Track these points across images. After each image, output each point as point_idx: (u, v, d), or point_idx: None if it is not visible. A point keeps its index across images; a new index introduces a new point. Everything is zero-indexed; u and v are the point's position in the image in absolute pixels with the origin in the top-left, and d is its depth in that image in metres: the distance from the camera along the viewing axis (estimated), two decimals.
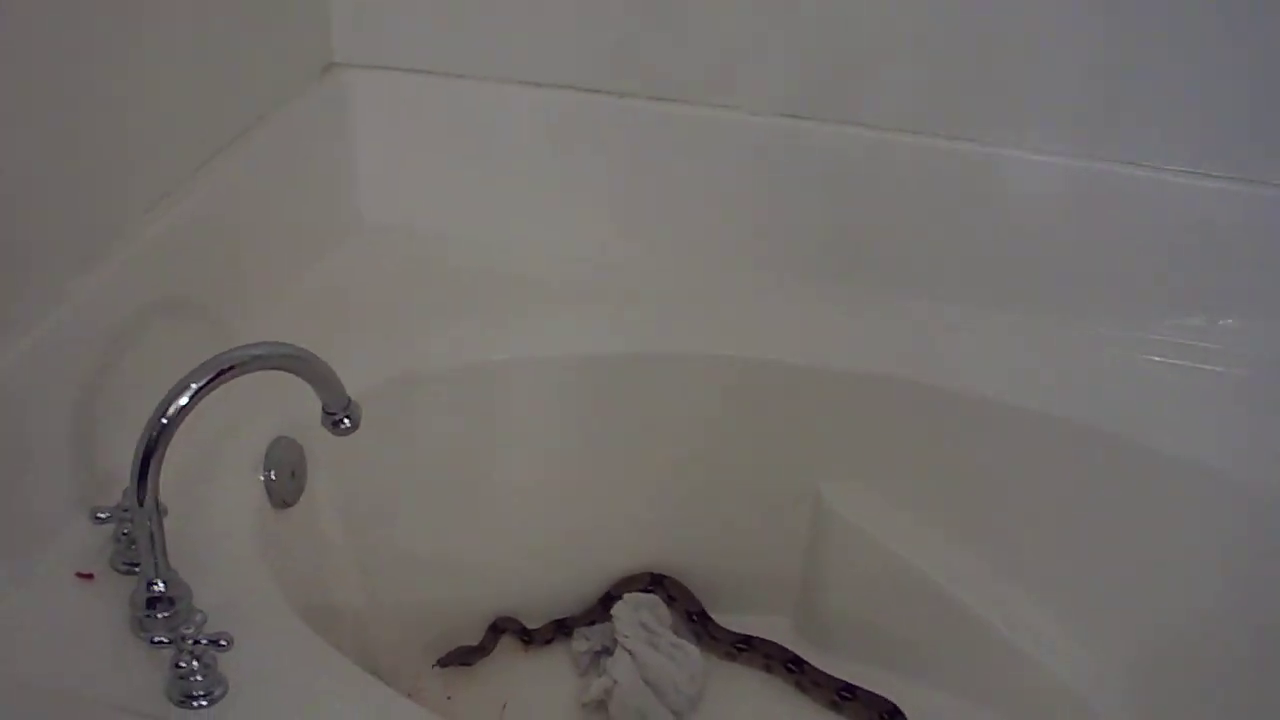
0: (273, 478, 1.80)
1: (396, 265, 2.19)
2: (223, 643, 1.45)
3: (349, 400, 1.62)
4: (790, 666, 2.22)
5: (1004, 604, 2.03)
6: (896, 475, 2.09)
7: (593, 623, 2.31)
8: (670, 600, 2.31)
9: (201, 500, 1.70)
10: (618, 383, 2.08)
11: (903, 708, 2.06)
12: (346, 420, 1.62)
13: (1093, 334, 2.05)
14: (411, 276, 2.16)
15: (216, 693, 1.47)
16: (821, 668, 2.16)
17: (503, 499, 2.15)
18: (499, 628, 2.26)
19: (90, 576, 1.59)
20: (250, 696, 1.47)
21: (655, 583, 2.32)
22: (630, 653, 2.23)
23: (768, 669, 2.26)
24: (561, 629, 2.31)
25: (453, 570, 2.15)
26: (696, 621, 2.30)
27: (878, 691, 2.09)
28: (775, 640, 2.26)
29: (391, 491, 2.03)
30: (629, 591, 2.30)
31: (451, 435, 2.07)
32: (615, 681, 2.19)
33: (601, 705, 2.20)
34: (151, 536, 1.48)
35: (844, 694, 2.15)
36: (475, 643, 2.20)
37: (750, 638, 2.27)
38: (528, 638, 2.28)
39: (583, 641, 2.31)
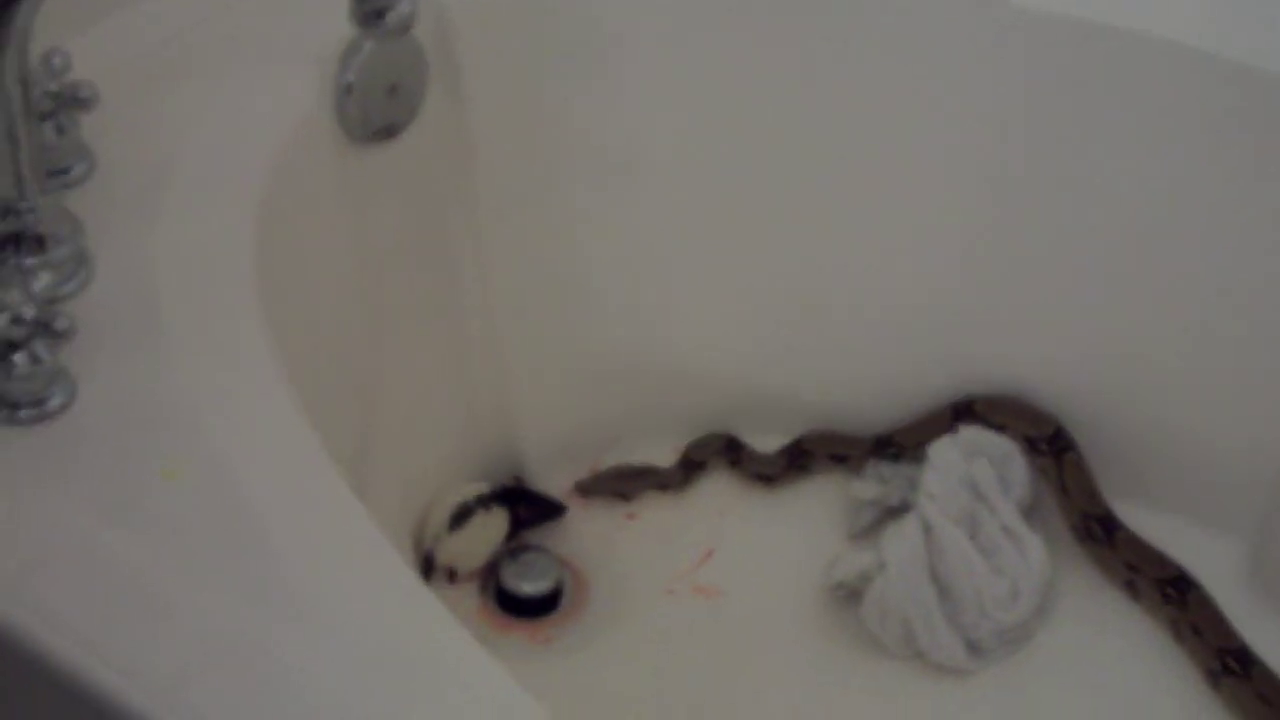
0: (350, 87, 1.17)
1: None
2: (58, 325, 0.92)
3: None
4: (1170, 591, 1.34)
5: None
6: None
7: (898, 456, 1.45)
8: (1061, 493, 1.41)
9: (192, 108, 1.12)
10: None
11: None
12: (386, 15, 1.13)
13: None
14: None
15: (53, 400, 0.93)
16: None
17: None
18: (694, 460, 1.47)
19: None
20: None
21: (1054, 453, 1.41)
22: (926, 524, 1.34)
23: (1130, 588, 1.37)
24: (830, 458, 1.47)
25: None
26: (1096, 536, 1.39)
27: None
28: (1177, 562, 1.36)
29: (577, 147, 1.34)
30: (1016, 430, 1.42)
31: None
32: (882, 565, 1.33)
33: (856, 593, 1.36)
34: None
35: (1233, 661, 1.28)
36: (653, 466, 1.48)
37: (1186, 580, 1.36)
38: (746, 465, 1.47)
39: (871, 484, 1.43)
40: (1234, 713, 1.28)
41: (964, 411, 1.42)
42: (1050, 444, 1.40)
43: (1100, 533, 1.37)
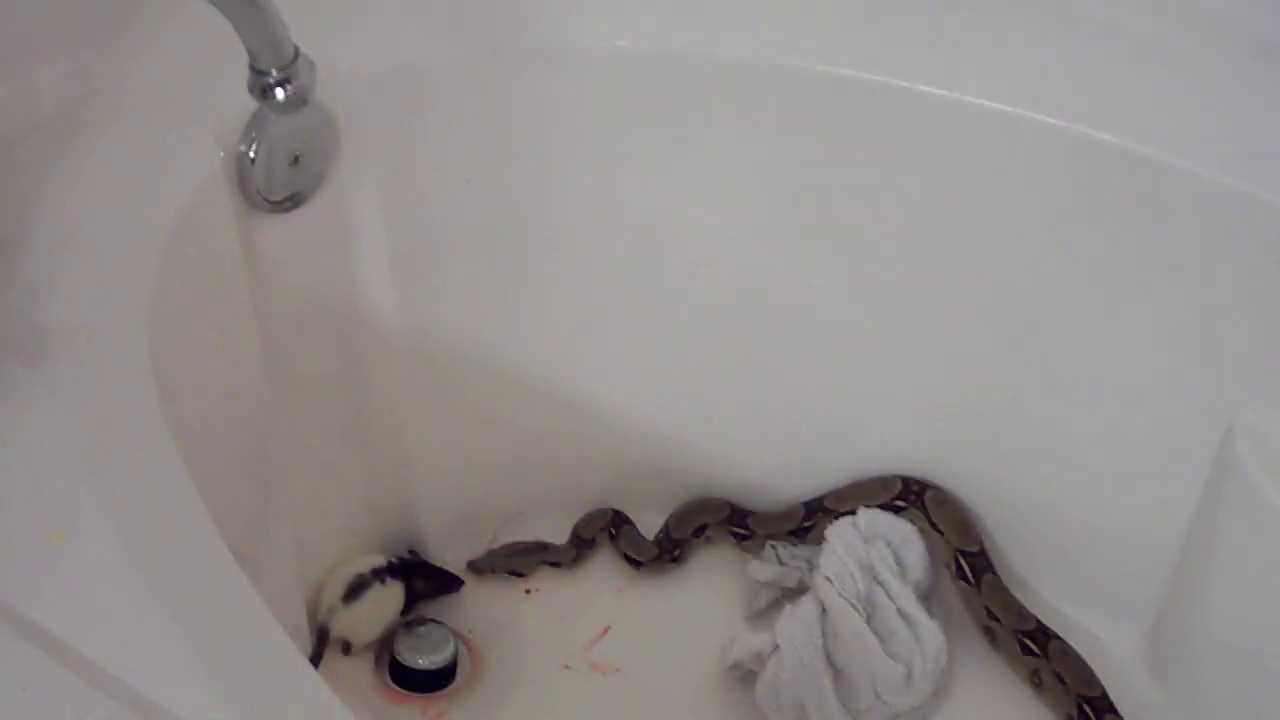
0: (251, 157, 1.16)
1: None
2: None
3: (295, 51, 1.07)
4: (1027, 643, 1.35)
5: None
6: None
7: (797, 537, 1.45)
8: (934, 533, 1.41)
9: (92, 176, 1.10)
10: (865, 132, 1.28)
11: None
12: (282, 88, 1.07)
13: None
14: None
15: None
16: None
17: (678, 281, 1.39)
18: (583, 537, 1.47)
19: None
20: None
21: (913, 500, 1.42)
22: (823, 606, 1.34)
23: (1035, 683, 1.36)
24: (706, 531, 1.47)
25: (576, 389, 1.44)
26: (967, 576, 1.39)
27: None
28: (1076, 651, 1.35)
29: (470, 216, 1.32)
30: (869, 504, 1.42)
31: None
32: (776, 647, 1.33)
33: (751, 674, 1.35)
34: None
35: (1090, 709, 1.29)
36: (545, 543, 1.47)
37: (1045, 631, 1.36)
38: (620, 545, 1.47)
39: (769, 565, 1.43)
40: None
41: (814, 508, 1.43)
42: (904, 496, 1.41)
43: (969, 572, 1.38)
